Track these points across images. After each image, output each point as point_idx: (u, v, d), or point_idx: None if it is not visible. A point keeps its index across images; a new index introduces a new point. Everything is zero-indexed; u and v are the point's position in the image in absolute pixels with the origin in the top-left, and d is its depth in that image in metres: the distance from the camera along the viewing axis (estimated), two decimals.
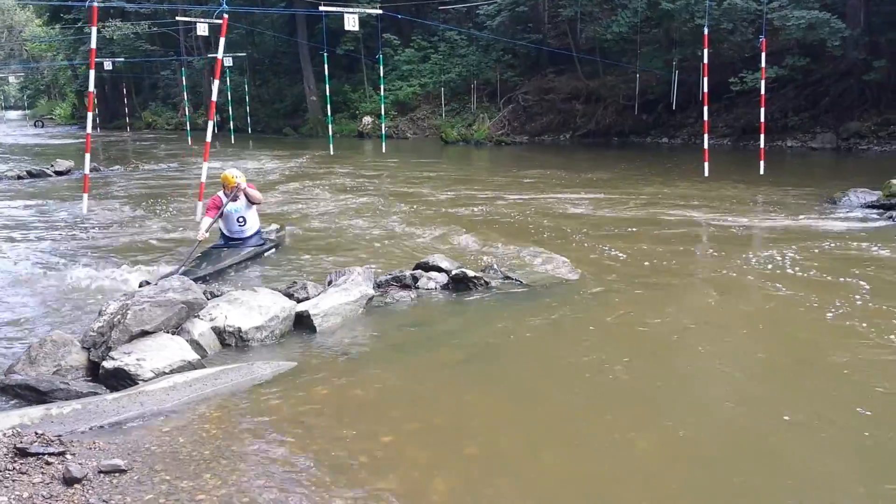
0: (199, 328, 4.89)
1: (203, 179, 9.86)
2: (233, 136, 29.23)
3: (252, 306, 5.19)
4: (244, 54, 32.70)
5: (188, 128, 30.32)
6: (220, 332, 4.97)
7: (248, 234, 7.63)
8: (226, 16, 10.30)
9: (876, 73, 19.26)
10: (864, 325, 5.20)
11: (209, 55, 34.67)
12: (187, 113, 33.32)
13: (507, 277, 6.53)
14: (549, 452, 3.53)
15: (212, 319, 5.01)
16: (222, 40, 10.22)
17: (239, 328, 4.99)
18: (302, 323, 5.34)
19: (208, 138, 10.31)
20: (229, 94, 31.06)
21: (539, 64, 28.81)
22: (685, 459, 3.43)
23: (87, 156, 10.66)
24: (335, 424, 3.76)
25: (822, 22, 18.14)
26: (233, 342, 4.98)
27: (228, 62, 28.01)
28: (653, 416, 3.83)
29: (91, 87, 10.57)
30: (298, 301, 5.59)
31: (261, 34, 36.48)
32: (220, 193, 7.54)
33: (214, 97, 10.43)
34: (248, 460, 3.36)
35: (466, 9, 30.74)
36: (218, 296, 5.47)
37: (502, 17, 26.89)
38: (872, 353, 4.72)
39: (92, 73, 10.35)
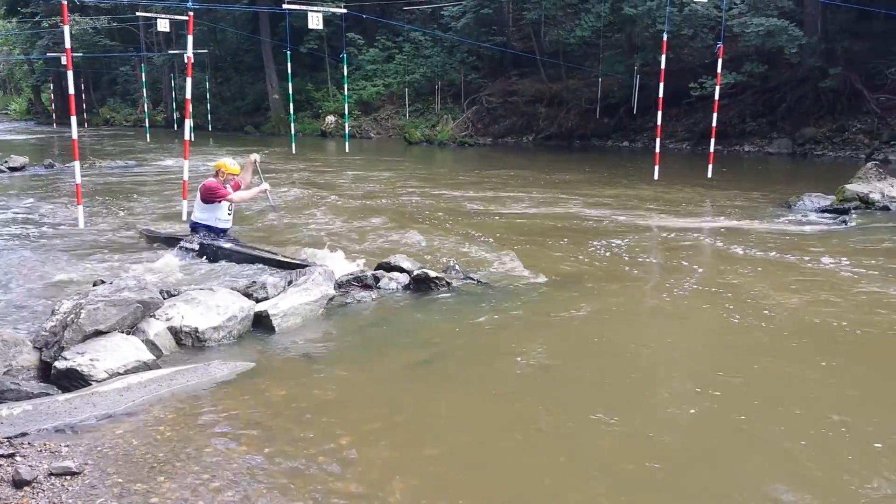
0: (155, 328, 4.81)
1: (185, 177, 9.72)
2: (192, 134, 28.80)
3: (210, 306, 5.12)
4: (206, 51, 32.30)
5: (147, 124, 29.85)
6: (176, 332, 4.90)
7: (229, 224, 7.77)
8: (191, 13, 10.16)
9: (831, 81, 19.72)
10: (801, 328, 5.32)
11: (170, 52, 34.21)
12: (146, 110, 32.83)
13: (468, 277, 6.56)
14: (509, 451, 3.54)
15: (168, 319, 4.93)
16: (190, 38, 10.05)
17: (196, 328, 4.92)
18: (261, 323, 5.29)
19: (187, 136, 10.25)
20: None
21: (503, 66, 28.98)
22: (643, 456, 3.46)
23: (77, 163, 9.58)
24: (293, 426, 3.73)
25: (781, 30, 18.51)
26: (189, 342, 4.91)
27: None
28: (610, 414, 3.86)
29: (71, 90, 9.85)
30: (257, 301, 5.53)
31: (223, 31, 36.08)
32: (213, 180, 7.58)
33: (189, 95, 10.32)
34: (203, 462, 3.31)
35: (431, 10, 30.76)
36: (175, 295, 5.39)
37: (467, 18, 26.95)
38: (801, 358, 4.83)
39: (70, 73, 9.47)
